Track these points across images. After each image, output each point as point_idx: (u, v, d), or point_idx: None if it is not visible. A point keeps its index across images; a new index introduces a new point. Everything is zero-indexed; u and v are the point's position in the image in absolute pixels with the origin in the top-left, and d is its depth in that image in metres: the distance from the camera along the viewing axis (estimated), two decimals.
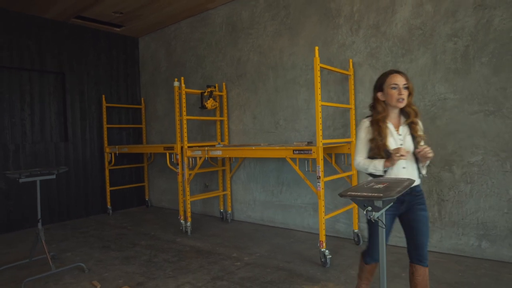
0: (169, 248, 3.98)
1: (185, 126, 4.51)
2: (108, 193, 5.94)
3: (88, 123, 5.91)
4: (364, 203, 1.16)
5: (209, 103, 4.87)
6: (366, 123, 2.12)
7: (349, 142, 3.83)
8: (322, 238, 3.23)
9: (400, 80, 2.02)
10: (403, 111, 2.10)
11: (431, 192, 3.47)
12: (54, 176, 3.37)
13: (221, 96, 5.14)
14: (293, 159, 3.52)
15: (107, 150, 5.92)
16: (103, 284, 3.03)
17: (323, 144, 3.33)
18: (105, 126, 5.94)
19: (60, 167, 3.45)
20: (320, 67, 3.27)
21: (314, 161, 3.45)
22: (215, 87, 5.02)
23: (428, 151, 1.94)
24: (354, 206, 3.85)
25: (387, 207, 1.26)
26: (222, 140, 5.18)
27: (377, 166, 2.02)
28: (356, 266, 3.21)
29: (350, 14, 3.97)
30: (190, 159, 4.56)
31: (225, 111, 5.14)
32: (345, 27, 4.01)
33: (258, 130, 4.83)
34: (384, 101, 2.07)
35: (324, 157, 3.93)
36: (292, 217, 4.53)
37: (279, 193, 4.64)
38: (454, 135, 3.35)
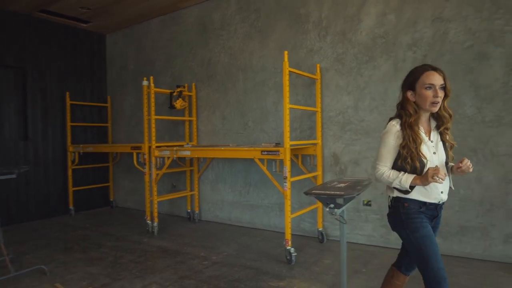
0: (135, 248, 3.93)
1: (153, 125, 4.47)
2: (70, 194, 5.75)
3: (51, 121, 5.70)
4: (327, 200, 1.25)
5: (178, 103, 4.85)
6: (396, 126, 1.79)
7: (315, 144, 3.96)
8: (288, 236, 3.33)
9: (437, 80, 1.71)
10: (433, 114, 1.83)
11: None
12: (14, 176, 3.24)
13: (190, 96, 5.14)
14: (261, 160, 3.60)
15: (71, 149, 5.73)
16: (66, 287, 2.95)
17: (290, 145, 3.43)
18: (68, 124, 5.76)
19: (21, 166, 3.33)
20: (289, 71, 3.37)
21: (281, 162, 3.55)
22: (184, 87, 5.01)
23: (470, 165, 1.73)
24: (318, 205, 3.99)
25: (347, 204, 1.36)
26: (190, 140, 5.18)
27: (403, 183, 1.72)
28: (319, 263, 3.34)
29: (318, 21, 4.11)
30: (158, 159, 4.53)
31: (194, 111, 5.14)
32: (314, 32, 4.14)
33: (227, 131, 4.88)
34: (414, 102, 1.78)
35: (291, 158, 4.04)
36: (259, 217, 4.61)
37: (247, 193, 4.71)
38: None
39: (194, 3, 5.11)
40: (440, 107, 1.76)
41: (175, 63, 5.46)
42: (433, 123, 1.85)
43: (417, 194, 1.77)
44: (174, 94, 4.85)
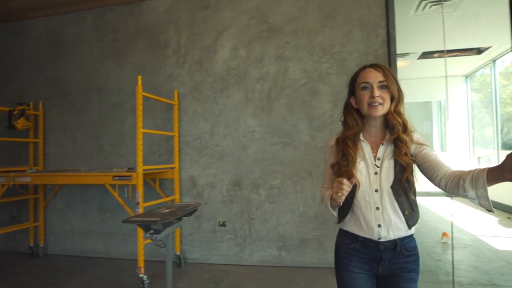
0: None
1: None
2: None
3: None
4: (144, 227, 1.30)
5: (20, 123, 4.30)
6: (332, 140, 1.53)
7: (172, 168, 4.00)
8: (141, 264, 3.25)
9: (373, 77, 1.39)
10: (389, 125, 1.44)
11: (243, 213, 3.94)
12: None
13: (36, 116, 4.61)
14: (113, 186, 3.45)
15: None
16: None
17: (145, 170, 3.40)
18: None
19: None
20: (144, 95, 3.37)
21: (134, 187, 3.47)
22: (28, 105, 4.48)
23: None
24: (177, 229, 4.00)
25: (171, 229, 1.44)
26: (35, 164, 4.61)
27: (326, 203, 1.44)
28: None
29: (177, 48, 4.24)
30: None
31: (40, 132, 4.62)
32: (173, 59, 4.25)
33: (80, 155, 4.52)
34: (358, 109, 1.47)
35: (148, 182, 3.99)
36: (115, 245, 4.35)
37: (101, 221, 4.41)
38: (260, 162, 3.93)
39: (43, 14, 4.68)
40: (389, 112, 1.40)
41: (18, 78, 4.84)
42: (389, 136, 1.45)
43: (350, 225, 1.46)
44: (15, 112, 4.28)
